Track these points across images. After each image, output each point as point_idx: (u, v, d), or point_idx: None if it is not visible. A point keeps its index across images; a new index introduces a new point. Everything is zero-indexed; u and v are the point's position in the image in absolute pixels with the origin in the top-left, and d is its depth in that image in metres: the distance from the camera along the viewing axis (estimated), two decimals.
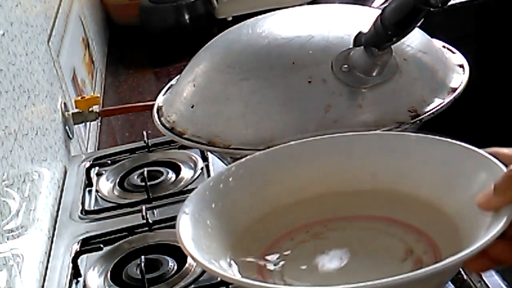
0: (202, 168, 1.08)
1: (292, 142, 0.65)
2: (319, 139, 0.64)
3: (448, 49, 0.89)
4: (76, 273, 0.91)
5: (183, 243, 0.54)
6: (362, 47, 0.76)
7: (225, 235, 0.59)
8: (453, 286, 0.78)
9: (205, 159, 1.09)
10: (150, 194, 1.03)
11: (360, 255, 0.58)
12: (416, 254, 0.56)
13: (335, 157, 0.63)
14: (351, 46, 0.78)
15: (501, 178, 0.53)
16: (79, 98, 1.32)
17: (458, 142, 0.59)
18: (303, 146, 0.64)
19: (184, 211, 0.57)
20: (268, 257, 0.59)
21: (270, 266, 0.58)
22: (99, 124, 1.47)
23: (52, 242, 0.98)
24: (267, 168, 0.63)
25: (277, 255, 0.59)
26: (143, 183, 1.05)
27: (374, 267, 0.57)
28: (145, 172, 1.05)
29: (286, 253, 0.59)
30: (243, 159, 0.64)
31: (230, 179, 0.62)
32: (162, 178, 1.08)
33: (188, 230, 0.56)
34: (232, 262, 0.57)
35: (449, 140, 0.60)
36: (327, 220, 0.61)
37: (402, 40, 0.75)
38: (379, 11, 0.73)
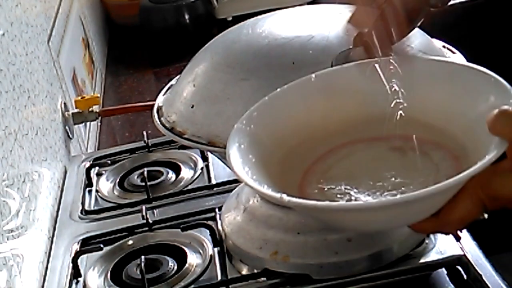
0: (202, 168, 1.08)
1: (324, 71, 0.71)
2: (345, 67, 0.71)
3: (448, 49, 0.89)
4: (76, 273, 0.91)
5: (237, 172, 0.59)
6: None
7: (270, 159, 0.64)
8: (453, 286, 0.78)
9: (205, 159, 1.09)
10: (150, 194, 1.03)
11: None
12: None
13: (356, 84, 0.69)
14: (351, 46, 0.78)
15: None
16: (79, 98, 1.32)
17: (466, 63, 0.63)
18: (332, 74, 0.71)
19: (233, 142, 0.63)
20: (309, 177, 0.64)
21: (311, 185, 0.63)
22: (99, 124, 1.47)
23: (52, 242, 0.98)
24: (301, 99, 0.70)
25: (317, 174, 0.64)
26: (143, 183, 1.05)
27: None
28: (145, 172, 1.05)
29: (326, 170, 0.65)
30: (280, 89, 0.69)
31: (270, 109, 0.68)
32: (162, 178, 1.08)
33: (238, 161, 0.61)
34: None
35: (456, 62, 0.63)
36: (357, 141, 0.67)
37: (402, 40, 0.75)
38: None
